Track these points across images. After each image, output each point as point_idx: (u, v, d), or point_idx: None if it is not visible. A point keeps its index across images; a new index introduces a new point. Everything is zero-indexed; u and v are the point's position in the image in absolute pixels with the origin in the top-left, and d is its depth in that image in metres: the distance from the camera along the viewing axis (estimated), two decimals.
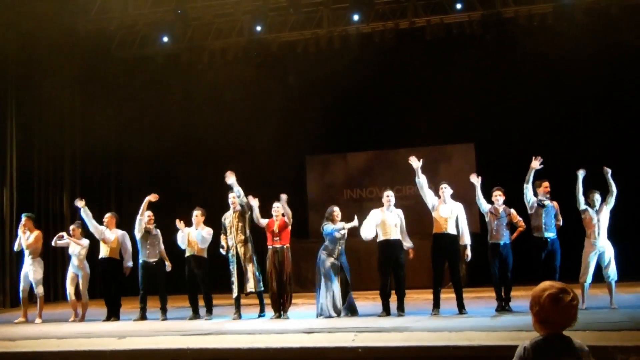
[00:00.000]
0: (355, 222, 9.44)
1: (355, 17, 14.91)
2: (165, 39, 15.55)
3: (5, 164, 14.04)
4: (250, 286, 9.52)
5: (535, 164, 9.10)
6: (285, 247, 9.44)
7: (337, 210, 9.48)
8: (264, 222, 9.58)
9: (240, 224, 9.60)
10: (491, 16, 14.33)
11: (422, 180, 9.10)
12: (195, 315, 9.79)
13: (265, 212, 9.72)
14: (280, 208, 9.50)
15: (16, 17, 13.91)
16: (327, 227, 9.34)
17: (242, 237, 9.60)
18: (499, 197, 9.31)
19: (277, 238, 9.42)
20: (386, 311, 9.06)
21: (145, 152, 17.07)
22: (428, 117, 16.19)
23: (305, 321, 8.85)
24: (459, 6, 14.55)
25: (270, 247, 9.49)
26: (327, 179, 17.59)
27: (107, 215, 10.38)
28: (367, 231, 9.21)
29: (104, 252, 10.17)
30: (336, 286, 9.18)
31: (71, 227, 10.63)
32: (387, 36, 15.07)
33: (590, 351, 3.05)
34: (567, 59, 14.56)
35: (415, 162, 9.01)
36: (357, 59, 15.54)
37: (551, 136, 15.39)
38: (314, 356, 6.49)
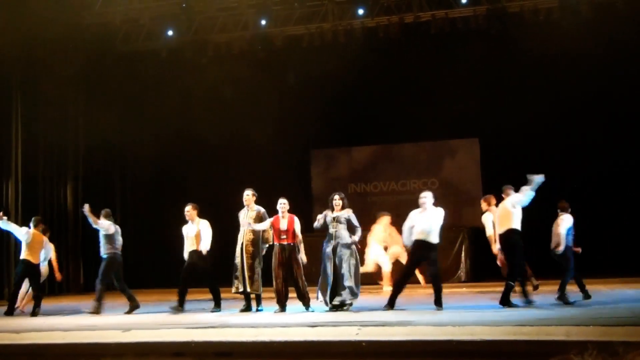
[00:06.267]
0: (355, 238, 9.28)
1: (360, 11, 14.92)
2: (170, 32, 15.57)
3: (11, 159, 14.18)
4: (255, 288, 9.53)
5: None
6: (292, 244, 9.26)
7: (336, 199, 9.20)
8: (267, 223, 9.46)
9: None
10: (496, 10, 14.31)
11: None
12: (180, 307, 9.48)
13: (270, 207, 9.68)
14: (287, 204, 9.37)
15: (19, 15, 13.91)
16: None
17: (252, 236, 9.58)
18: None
19: (284, 236, 9.24)
20: (390, 305, 9.06)
21: (148, 147, 17.12)
22: (433, 112, 16.16)
23: (309, 315, 8.87)
24: (464, 0, 14.55)
25: (277, 244, 9.31)
26: (332, 173, 17.57)
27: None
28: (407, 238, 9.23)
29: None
30: (329, 273, 9.07)
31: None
32: (392, 30, 15.05)
33: None
34: (572, 54, 14.51)
35: None
36: (362, 53, 15.51)
37: (556, 131, 15.37)
38: (317, 350, 6.50)
